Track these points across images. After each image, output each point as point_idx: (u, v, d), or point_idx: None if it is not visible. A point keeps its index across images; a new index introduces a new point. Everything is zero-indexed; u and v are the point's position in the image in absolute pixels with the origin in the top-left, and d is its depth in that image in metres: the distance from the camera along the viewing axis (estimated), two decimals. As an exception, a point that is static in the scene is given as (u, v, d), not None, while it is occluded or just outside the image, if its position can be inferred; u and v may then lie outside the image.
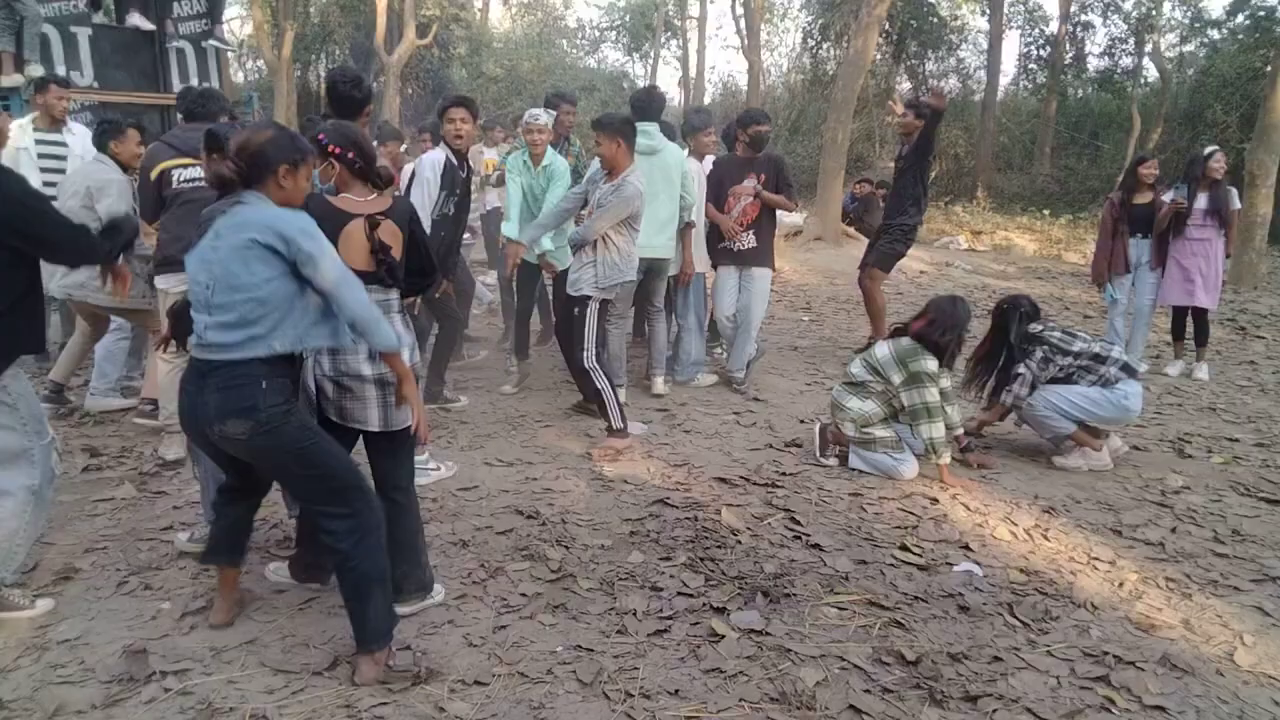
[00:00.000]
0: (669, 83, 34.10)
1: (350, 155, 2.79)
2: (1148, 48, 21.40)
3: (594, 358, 4.63)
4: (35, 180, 4.76)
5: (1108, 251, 6.79)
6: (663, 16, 27.18)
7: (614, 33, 29.52)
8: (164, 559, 3.22)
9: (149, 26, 8.16)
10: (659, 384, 5.63)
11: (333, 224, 2.65)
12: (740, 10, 23.91)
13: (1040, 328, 4.56)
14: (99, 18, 7.91)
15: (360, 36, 22.48)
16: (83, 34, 7.60)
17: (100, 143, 4.78)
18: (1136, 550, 3.56)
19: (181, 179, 4.02)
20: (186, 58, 8.32)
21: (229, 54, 8.81)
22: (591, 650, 2.67)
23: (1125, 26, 22.11)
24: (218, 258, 2.33)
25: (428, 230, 4.28)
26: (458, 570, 3.17)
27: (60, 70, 7.39)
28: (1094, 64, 23.12)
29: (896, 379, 4.24)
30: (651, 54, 28.42)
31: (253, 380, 2.31)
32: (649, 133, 5.20)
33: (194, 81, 8.45)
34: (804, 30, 24.52)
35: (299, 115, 18.02)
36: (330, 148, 2.76)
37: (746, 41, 22.53)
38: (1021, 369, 4.48)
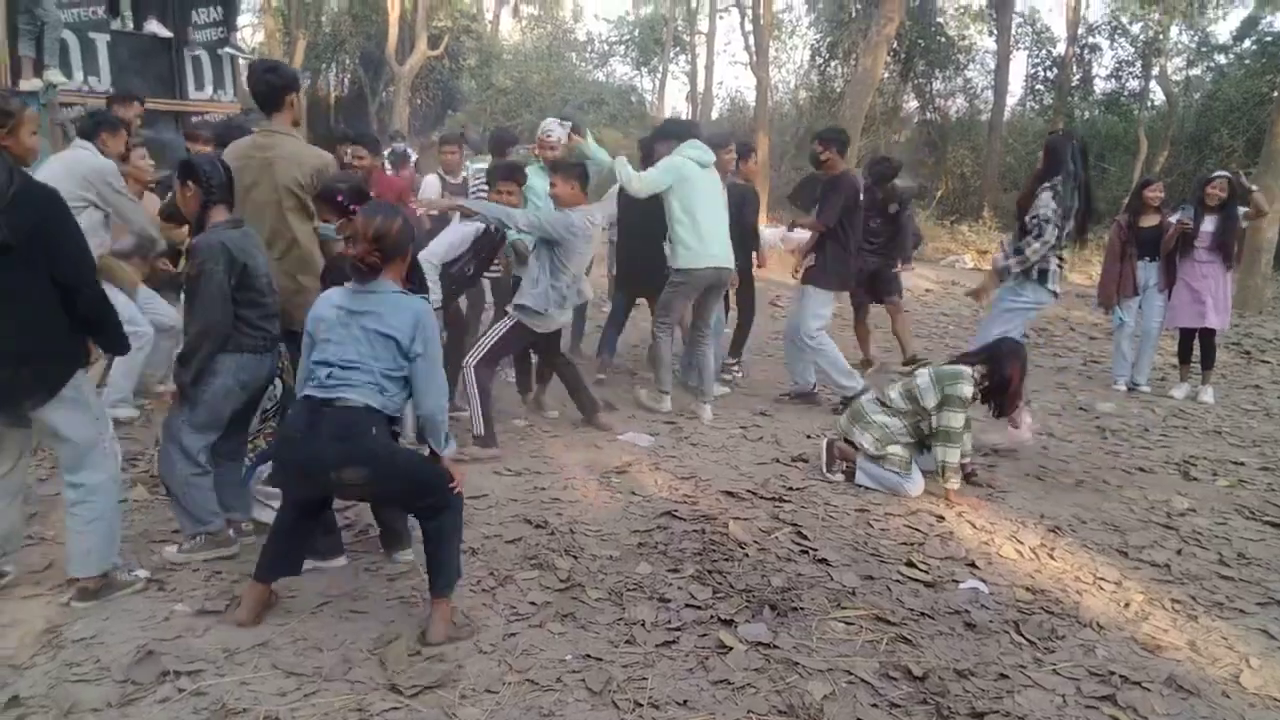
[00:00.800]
0: (677, 97, 34.28)
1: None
2: (1155, 71, 21.49)
3: (478, 362, 4.68)
4: None
5: (1115, 274, 6.83)
6: (672, 31, 27.30)
7: (623, 47, 29.66)
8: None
9: (166, 33, 8.26)
10: (707, 413, 5.47)
11: None
12: (749, 27, 24.05)
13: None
14: (117, 24, 7.98)
15: (371, 46, 22.63)
16: (101, 40, 7.69)
17: (90, 128, 4.59)
18: (1142, 571, 3.58)
19: None
20: (202, 65, 8.40)
21: (241, 61, 8.88)
22: (600, 659, 2.69)
23: (1133, 50, 22.24)
24: (351, 336, 2.69)
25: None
26: (467, 578, 3.17)
27: (77, 76, 7.48)
28: (1101, 86, 23.23)
29: (931, 403, 4.24)
30: (660, 68, 28.51)
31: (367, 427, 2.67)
32: (701, 146, 5.35)
33: (209, 89, 8.54)
34: (812, 48, 24.64)
35: (308, 124, 18.12)
36: (351, 208, 3.16)
37: (755, 58, 22.65)
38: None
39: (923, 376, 4.36)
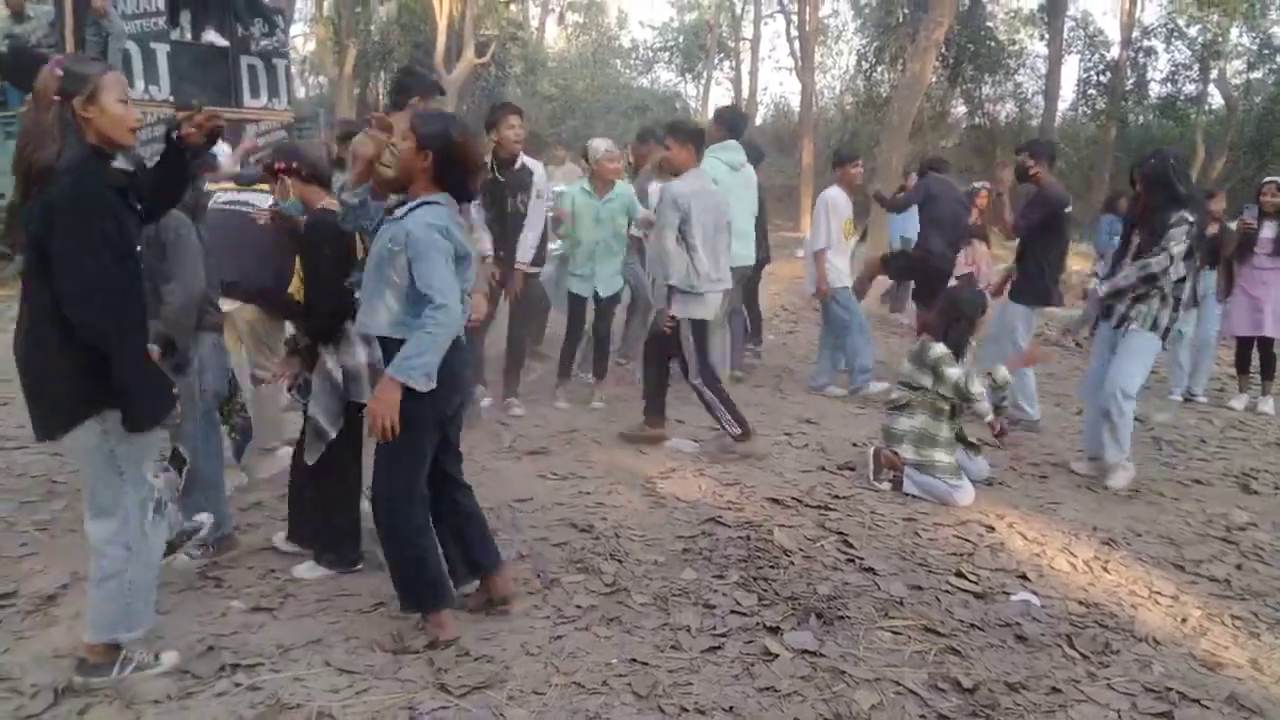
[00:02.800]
0: (721, 103, 34.19)
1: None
2: (1213, 74, 20.97)
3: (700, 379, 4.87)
4: None
5: None
6: (716, 38, 27.30)
7: (667, 53, 29.73)
8: (233, 558, 3.32)
9: (223, 42, 8.47)
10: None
11: None
12: (794, 32, 23.97)
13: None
14: (176, 34, 8.21)
15: (419, 54, 22.96)
16: (161, 50, 7.92)
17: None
18: (1200, 586, 3.49)
19: (217, 201, 4.06)
20: (258, 73, 8.61)
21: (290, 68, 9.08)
22: (646, 664, 2.70)
23: (1190, 53, 21.72)
24: None
25: None
26: (515, 580, 3.22)
27: (139, 85, 7.71)
28: (1156, 90, 22.73)
29: (928, 381, 4.32)
30: (704, 75, 28.53)
31: None
32: (735, 147, 5.52)
33: (264, 96, 8.74)
34: (858, 53, 24.46)
35: (359, 130, 18.43)
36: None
37: (800, 64, 22.55)
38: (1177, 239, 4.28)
39: (905, 365, 4.49)
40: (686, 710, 2.46)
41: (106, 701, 2.39)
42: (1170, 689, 2.69)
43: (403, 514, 2.70)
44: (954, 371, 4.28)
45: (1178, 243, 4.25)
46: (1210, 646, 2.99)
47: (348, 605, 3.01)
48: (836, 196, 6.27)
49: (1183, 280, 4.33)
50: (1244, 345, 6.67)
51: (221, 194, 4.13)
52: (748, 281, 6.34)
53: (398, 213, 2.67)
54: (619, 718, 2.43)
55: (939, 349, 4.33)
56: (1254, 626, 3.16)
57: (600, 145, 5.64)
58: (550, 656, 2.72)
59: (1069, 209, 5.52)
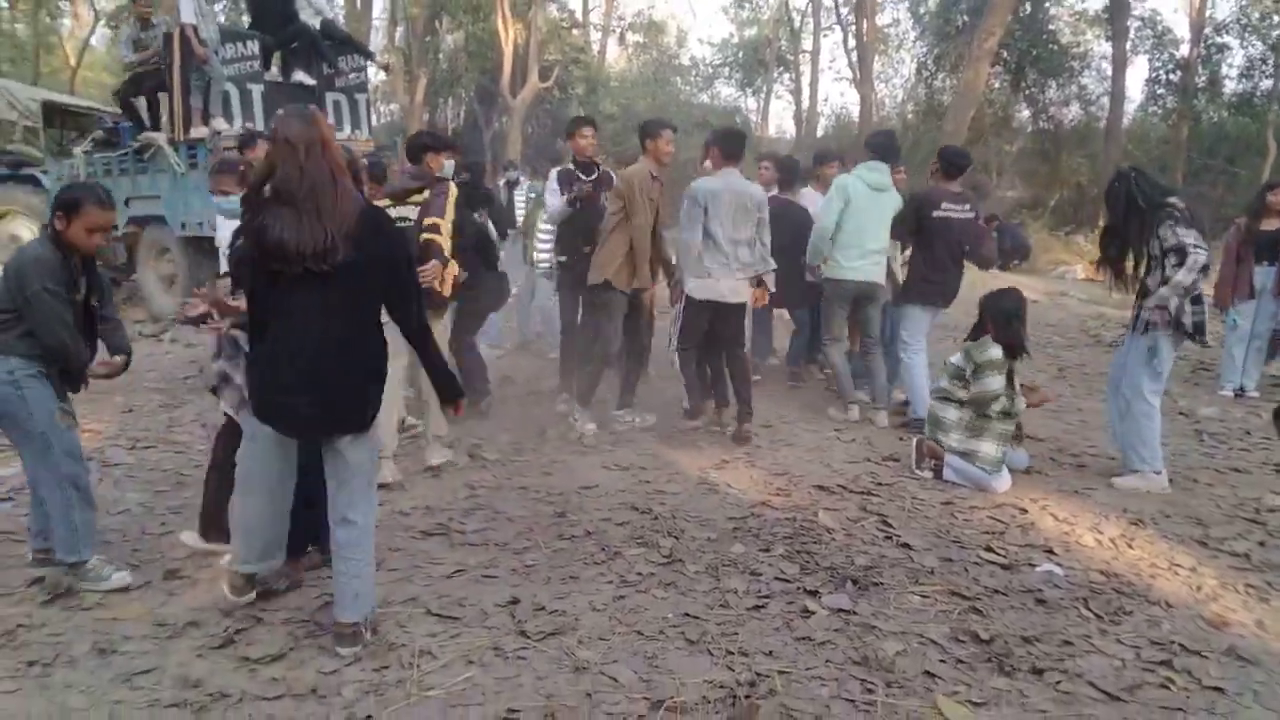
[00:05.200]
0: (783, 116, 34.46)
1: None
2: (1289, 68, 20.45)
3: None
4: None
5: (1231, 276, 6.81)
6: (775, 52, 27.68)
7: (727, 69, 30.18)
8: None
9: (311, 81, 9.18)
10: (881, 419, 5.80)
11: None
12: (853, 44, 24.15)
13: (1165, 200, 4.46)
14: (269, 75, 8.96)
15: (485, 80, 23.85)
16: (256, 90, 8.66)
17: (213, 173, 4.81)
18: (1220, 560, 3.72)
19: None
20: (342, 108, 9.30)
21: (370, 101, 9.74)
22: (698, 618, 3.08)
23: (1265, 47, 21.21)
24: None
25: None
26: (582, 553, 3.64)
27: (236, 122, 8.44)
28: (1230, 87, 22.23)
29: (970, 373, 4.58)
30: (764, 88, 28.92)
31: None
32: (883, 170, 5.79)
33: (347, 128, 9.43)
34: (918, 61, 24.53)
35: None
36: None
37: (859, 75, 22.74)
38: (1169, 233, 4.35)
39: (956, 356, 4.75)
40: (731, 653, 2.84)
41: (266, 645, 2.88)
42: (1174, 642, 2.96)
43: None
44: (994, 383, 4.48)
45: (1184, 234, 4.32)
46: (1219, 609, 3.24)
47: (434, 573, 3.46)
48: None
49: (1206, 269, 4.42)
50: (1298, 340, 6.73)
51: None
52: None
53: None
54: (673, 658, 2.81)
55: (994, 352, 4.53)
56: (1265, 594, 3.39)
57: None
58: (614, 612, 3.12)
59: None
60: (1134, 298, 4.66)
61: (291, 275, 2.63)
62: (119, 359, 3.47)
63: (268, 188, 2.65)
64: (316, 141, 2.66)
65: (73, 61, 28.64)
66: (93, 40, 29.70)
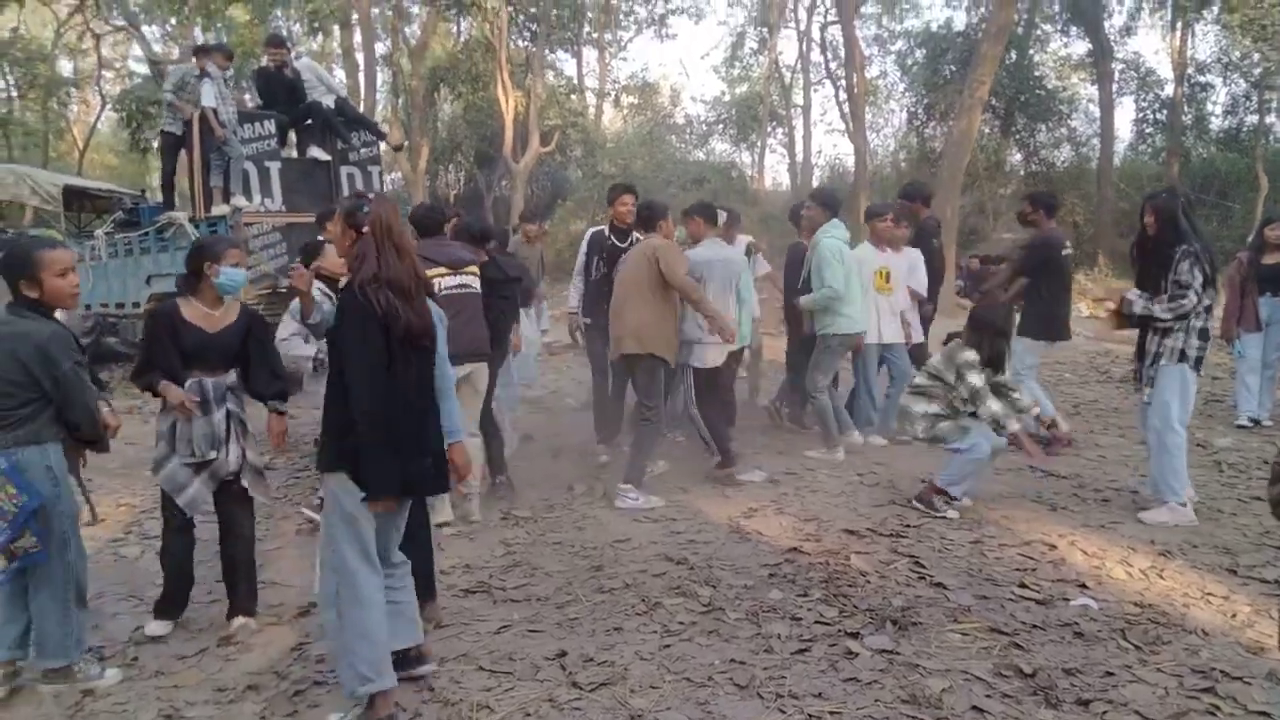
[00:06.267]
0: (778, 169, 35.05)
1: None
2: (1272, 105, 20.89)
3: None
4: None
5: (1236, 307, 6.97)
6: (768, 107, 28.24)
7: (721, 125, 30.78)
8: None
9: (325, 157, 9.44)
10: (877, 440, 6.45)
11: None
12: (844, 96, 24.72)
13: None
14: (286, 153, 9.23)
15: (484, 146, 24.36)
16: (274, 167, 8.90)
17: (305, 262, 5.05)
18: (1251, 587, 3.77)
19: (443, 287, 4.60)
20: (356, 180, 9.55)
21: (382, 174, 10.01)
22: (744, 663, 3.14)
23: (1247, 84, 21.71)
24: None
25: None
26: (623, 604, 3.71)
27: (256, 199, 8.68)
28: (1216, 124, 22.70)
29: (951, 377, 4.82)
30: (759, 143, 29.43)
31: None
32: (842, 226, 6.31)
33: (361, 200, 9.65)
34: (909, 110, 25.08)
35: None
36: None
37: (851, 126, 23.22)
38: (1186, 272, 4.51)
39: (936, 357, 5.06)
40: (781, 696, 2.90)
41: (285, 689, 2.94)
42: (1215, 668, 3.01)
43: None
44: (975, 379, 4.76)
45: (1194, 277, 4.51)
46: (1256, 635, 3.29)
47: (481, 629, 3.53)
48: (863, 252, 6.57)
49: (1209, 309, 4.62)
50: (1309, 369, 6.84)
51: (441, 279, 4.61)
52: None
53: None
54: (724, 704, 2.87)
55: (970, 355, 4.82)
56: (1300, 618, 3.44)
57: None
58: (661, 660, 3.18)
59: (1066, 251, 6.20)
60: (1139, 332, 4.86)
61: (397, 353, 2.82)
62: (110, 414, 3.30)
63: (370, 270, 2.80)
64: (399, 225, 2.88)
65: (80, 145, 29.38)
66: (100, 124, 30.52)
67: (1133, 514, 4.77)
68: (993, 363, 4.84)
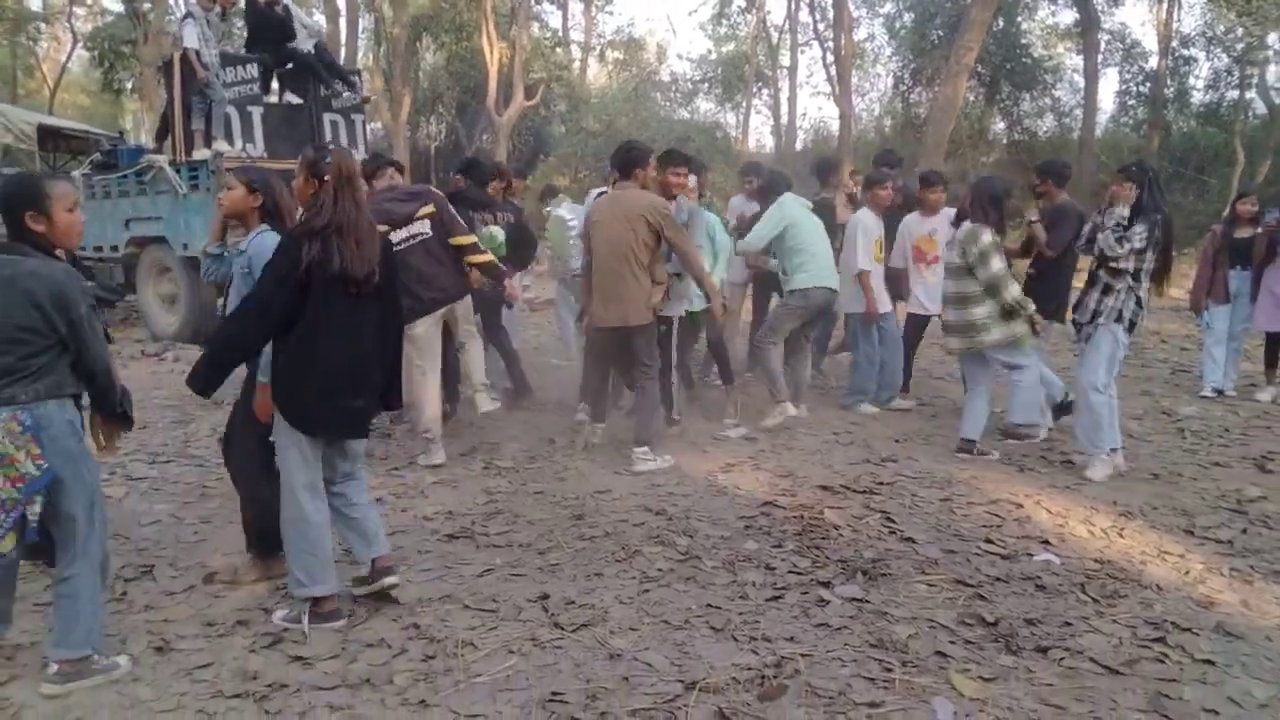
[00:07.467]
0: (762, 130, 34.89)
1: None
2: (1254, 80, 21.04)
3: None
4: None
5: (1207, 280, 7.12)
6: (754, 68, 28.02)
7: (706, 84, 30.51)
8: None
9: (297, 100, 9.32)
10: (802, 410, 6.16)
11: None
12: (830, 59, 24.59)
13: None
14: (268, 97, 9.11)
15: (466, 98, 24.04)
16: (256, 112, 8.80)
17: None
18: (1206, 547, 3.94)
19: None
20: (339, 128, 9.45)
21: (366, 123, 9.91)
22: (720, 608, 3.26)
23: (1230, 59, 21.84)
24: None
25: None
26: (603, 551, 3.81)
27: (238, 143, 8.58)
28: (1198, 98, 22.85)
29: (959, 259, 5.12)
30: (744, 104, 29.23)
31: None
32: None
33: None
34: (895, 75, 25.01)
35: (412, 172, 19.40)
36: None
37: (837, 89, 23.13)
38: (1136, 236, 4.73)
39: (949, 254, 5.29)
40: (755, 639, 3.01)
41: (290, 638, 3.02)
42: (1167, 620, 3.16)
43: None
44: (997, 264, 4.95)
45: (1142, 237, 4.74)
46: (1207, 591, 3.45)
47: (465, 572, 3.61)
48: (866, 218, 6.43)
49: (1150, 275, 4.86)
50: (1272, 341, 7.02)
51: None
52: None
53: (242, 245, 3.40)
54: (701, 645, 2.98)
55: (988, 236, 4.97)
56: (1249, 576, 3.61)
57: None
58: (640, 604, 3.29)
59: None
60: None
61: (337, 295, 2.99)
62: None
63: (324, 218, 2.95)
64: (358, 176, 3.08)
65: (50, 84, 28.64)
66: (70, 63, 29.74)
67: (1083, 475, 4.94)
68: (1000, 230, 5.05)
